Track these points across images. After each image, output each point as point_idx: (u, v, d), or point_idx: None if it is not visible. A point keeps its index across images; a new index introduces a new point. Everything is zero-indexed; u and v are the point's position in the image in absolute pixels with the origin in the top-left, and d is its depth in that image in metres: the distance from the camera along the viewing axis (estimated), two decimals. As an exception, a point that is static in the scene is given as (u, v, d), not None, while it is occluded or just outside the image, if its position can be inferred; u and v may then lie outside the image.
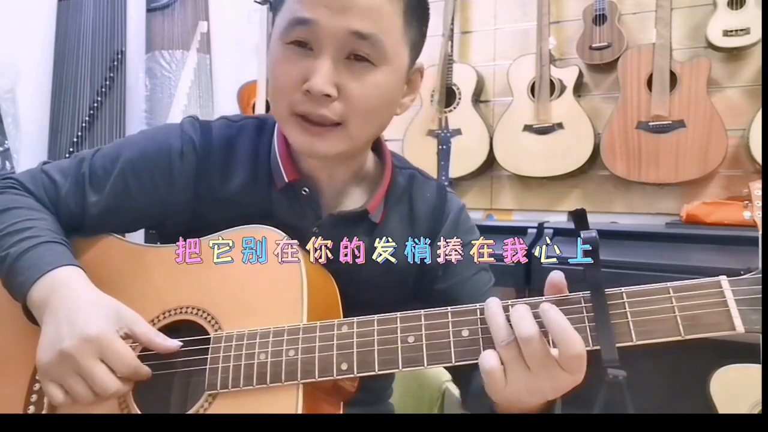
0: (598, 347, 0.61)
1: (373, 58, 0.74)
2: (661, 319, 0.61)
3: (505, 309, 0.64)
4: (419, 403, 1.13)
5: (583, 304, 0.63)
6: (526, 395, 0.63)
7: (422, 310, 0.68)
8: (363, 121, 0.77)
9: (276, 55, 0.77)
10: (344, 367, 0.67)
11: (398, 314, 0.68)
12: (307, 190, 0.84)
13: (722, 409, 1.56)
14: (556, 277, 0.64)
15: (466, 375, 0.87)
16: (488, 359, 0.61)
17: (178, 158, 0.84)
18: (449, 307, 0.67)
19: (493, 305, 0.64)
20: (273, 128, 0.88)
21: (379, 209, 0.86)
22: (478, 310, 0.66)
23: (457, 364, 0.65)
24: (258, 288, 0.75)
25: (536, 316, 0.62)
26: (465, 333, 0.65)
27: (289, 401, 0.67)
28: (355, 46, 0.73)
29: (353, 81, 0.74)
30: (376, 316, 0.69)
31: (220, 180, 0.85)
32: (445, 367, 0.90)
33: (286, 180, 0.83)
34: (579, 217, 0.64)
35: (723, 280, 0.61)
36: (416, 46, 0.81)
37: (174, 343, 0.73)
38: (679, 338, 0.60)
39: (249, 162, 0.86)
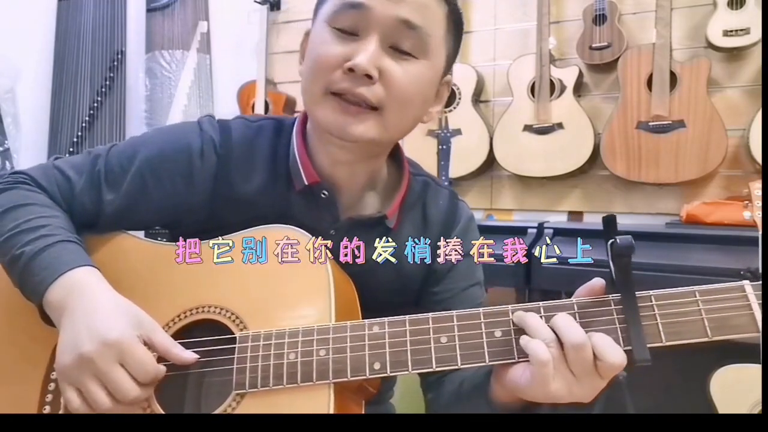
0: (630, 347, 0.63)
1: (415, 51, 0.76)
2: (688, 321, 0.64)
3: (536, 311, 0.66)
4: (420, 403, 1.13)
5: (614, 306, 0.65)
6: (567, 396, 0.64)
7: (454, 311, 0.69)
8: (399, 111, 0.77)
9: (319, 36, 0.78)
10: (377, 366, 0.68)
11: (430, 315, 0.69)
12: (326, 192, 0.84)
13: (722, 409, 1.56)
14: (598, 285, 0.66)
15: (436, 381, 0.88)
16: (543, 351, 0.62)
17: (198, 157, 0.84)
18: (481, 308, 0.69)
19: (522, 312, 0.66)
20: (291, 129, 0.88)
21: (395, 215, 0.87)
22: (510, 311, 0.67)
23: (491, 363, 0.67)
24: (283, 287, 0.75)
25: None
26: (498, 333, 0.67)
27: (320, 401, 0.68)
28: (401, 35, 0.75)
29: (396, 67, 0.75)
30: (407, 317, 0.70)
31: (238, 180, 0.85)
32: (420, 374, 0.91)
33: (306, 182, 0.83)
34: (610, 223, 0.66)
35: (746, 284, 0.64)
36: (450, 56, 0.83)
37: (191, 356, 0.72)
38: (707, 339, 0.63)
39: (268, 163, 0.86)
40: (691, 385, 1.69)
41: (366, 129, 0.76)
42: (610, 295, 0.66)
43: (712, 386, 1.59)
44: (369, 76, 0.73)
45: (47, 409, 0.76)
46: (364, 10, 0.74)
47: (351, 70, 0.73)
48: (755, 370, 1.56)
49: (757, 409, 1.51)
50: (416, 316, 0.69)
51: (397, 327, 0.69)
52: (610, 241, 0.65)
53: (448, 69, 0.84)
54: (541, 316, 0.66)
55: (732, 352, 1.64)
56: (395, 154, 0.91)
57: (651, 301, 0.65)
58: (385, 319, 0.70)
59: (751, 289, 0.63)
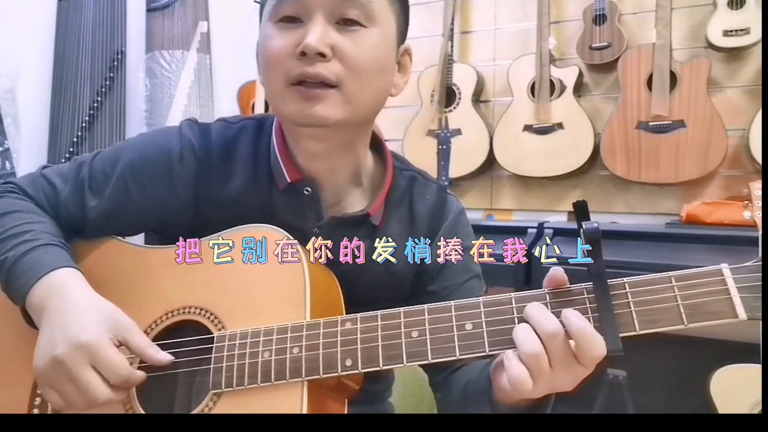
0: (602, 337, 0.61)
1: (362, 20, 0.75)
2: (663, 308, 0.62)
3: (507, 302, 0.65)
4: (419, 403, 1.13)
5: (586, 296, 0.64)
6: (546, 391, 0.64)
7: (425, 305, 0.68)
8: (359, 83, 0.76)
9: (266, 34, 0.78)
10: (348, 363, 0.68)
11: (402, 309, 0.69)
12: (309, 190, 0.84)
13: (722, 409, 1.56)
14: (558, 273, 0.65)
15: (443, 381, 0.88)
16: (520, 374, 0.61)
17: (177, 161, 0.84)
18: (452, 302, 0.68)
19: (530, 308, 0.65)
20: (272, 128, 0.88)
21: (379, 212, 0.86)
22: (480, 304, 0.67)
23: (461, 357, 0.66)
24: (261, 287, 0.75)
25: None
26: (468, 327, 0.66)
27: (294, 399, 0.68)
28: (343, 8, 0.75)
29: (346, 41, 0.75)
30: (379, 312, 0.69)
31: (220, 182, 0.85)
32: (423, 367, 0.91)
33: (288, 180, 0.83)
34: (581, 209, 0.65)
35: (725, 268, 0.62)
36: (400, 23, 0.82)
37: (166, 357, 0.73)
38: (682, 327, 0.61)
39: (249, 163, 0.86)
40: (691, 385, 1.69)
41: (330, 109, 0.75)
42: (583, 284, 0.64)
43: (712, 386, 1.59)
44: (322, 55, 0.73)
45: (36, 411, 0.77)
46: None
47: (303, 53, 0.73)
48: (755, 370, 1.56)
49: (757, 409, 1.50)
50: (389, 311, 0.69)
51: (369, 323, 0.69)
52: (579, 227, 0.63)
53: (402, 36, 0.83)
54: (512, 307, 0.65)
55: (732, 352, 1.64)
56: (379, 149, 0.91)
57: (625, 289, 0.63)
58: (358, 315, 0.70)
59: (729, 273, 0.61)
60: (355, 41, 0.75)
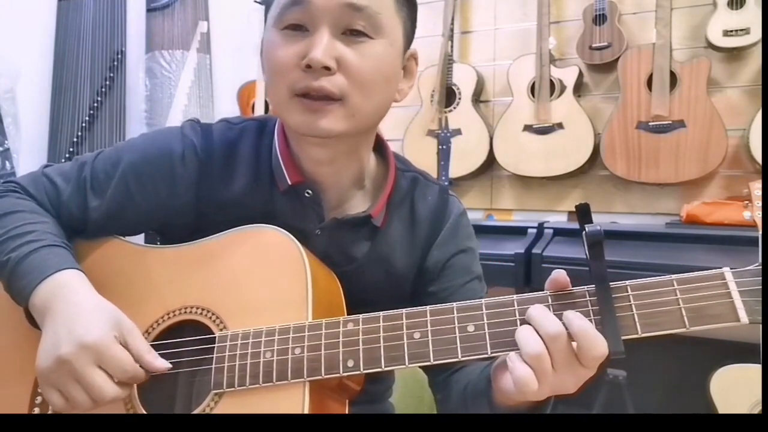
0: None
1: (368, 31, 0.75)
2: (665, 311, 0.62)
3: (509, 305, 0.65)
4: (419, 403, 1.13)
5: (588, 298, 0.64)
6: (549, 393, 0.64)
7: (428, 306, 0.68)
8: (363, 95, 0.76)
9: (271, 41, 0.77)
10: (350, 364, 0.68)
11: (404, 311, 0.69)
12: (310, 192, 0.84)
13: (722, 409, 1.56)
14: (560, 276, 0.65)
15: (443, 382, 0.88)
16: (525, 374, 0.61)
17: (179, 162, 0.84)
18: (454, 303, 0.68)
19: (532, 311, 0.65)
20: (274, 130, 0.88)
21: (381, 213, 0.86)
22: (483, 305, 0.67)
23: (463, 359, 0.66)
24: (262, 287, 0.75)
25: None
26: (471, 328, 0.66)
27: (295, 399, 0.68)
28: (350, 19, 0.74)
29: (352, 54, 0.74)
30: (381, 313, 0.69)
31: (222, 183, 0.85)
32: (423, 368, 0.91)
33: (289, 182, 0.83)
34: (583, 211, 0.65)
35: (726, 271, 0.62)
36: (407, 28, 0.81)
37: (162, 365, 0.72)
38: (684, 330, 0.61)
39: (251, 164, 0.86)
40: (691, 385, 1.69)
41: (333, 122, 0.75)
42: (585, 287, 0.65)
43: (712, 386, 1.59)
44: (327, 68, 0.73)
45: (36, 411, 0.77)
46: (307, 5, 0.73)
47: (309, 66, 0.73)
48: (755, 370, 1.56)
49: (757, 409, 1.51)
50: (390, 312, 0.69)
51: (371, 324, 0.69)
52: (582, 230, 0.63)
53: (409, 41, 0.83)
54: (515, 309, 0.65)
55: (732, 352, 1.64)
56: (381, 151, 0.91)
57: (627, 291, 0.63)
58: (360, 316, 0.70)
59: (731, 277, 0.61)
60: (360, 54, 0.74)
